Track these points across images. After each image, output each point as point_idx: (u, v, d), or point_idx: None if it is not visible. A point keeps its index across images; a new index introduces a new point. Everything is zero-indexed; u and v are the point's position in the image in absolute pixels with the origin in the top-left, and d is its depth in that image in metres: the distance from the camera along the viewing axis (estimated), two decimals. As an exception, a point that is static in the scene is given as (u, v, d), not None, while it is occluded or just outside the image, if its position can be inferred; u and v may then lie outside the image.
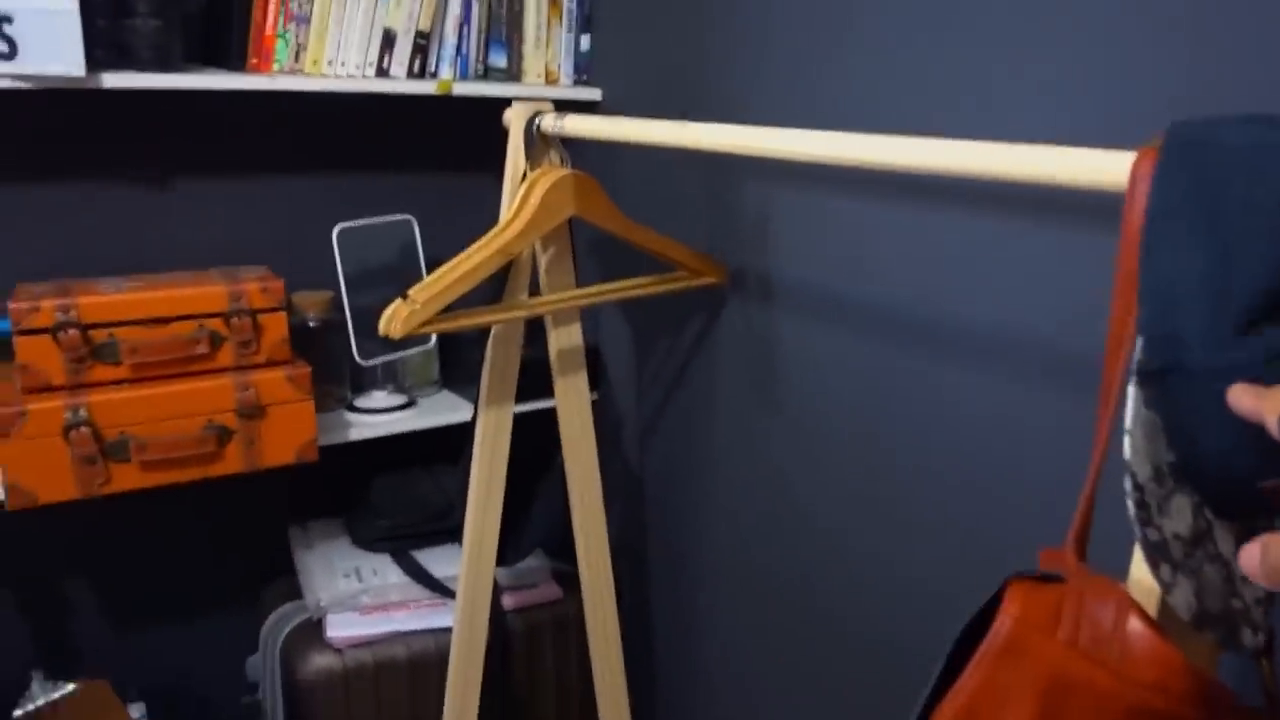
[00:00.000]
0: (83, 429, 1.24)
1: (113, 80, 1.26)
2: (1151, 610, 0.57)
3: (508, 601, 1.60)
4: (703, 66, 1.38)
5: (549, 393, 1.39)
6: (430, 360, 1.71)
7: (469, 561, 1.37)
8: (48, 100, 1.41)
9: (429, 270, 1.59)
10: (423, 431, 1.64)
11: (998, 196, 0.99)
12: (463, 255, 1.17)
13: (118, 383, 1.28)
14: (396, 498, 1.65)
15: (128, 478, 1.28)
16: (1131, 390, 0.56)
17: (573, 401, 1.38)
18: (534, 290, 1.31)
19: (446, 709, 1.44)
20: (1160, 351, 0.54)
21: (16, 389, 1.25)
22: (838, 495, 1.23)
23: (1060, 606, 0.56)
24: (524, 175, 1.24)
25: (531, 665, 1.61)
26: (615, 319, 1.67)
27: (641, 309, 1.60)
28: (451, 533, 1.66)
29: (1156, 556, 0.54)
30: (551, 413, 1.41)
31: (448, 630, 1.52)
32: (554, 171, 1.22)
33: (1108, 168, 0.63)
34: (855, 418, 1.19)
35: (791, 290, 1.26)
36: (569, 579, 1.63)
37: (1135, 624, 0.55)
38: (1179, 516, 0.55)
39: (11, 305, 1.23)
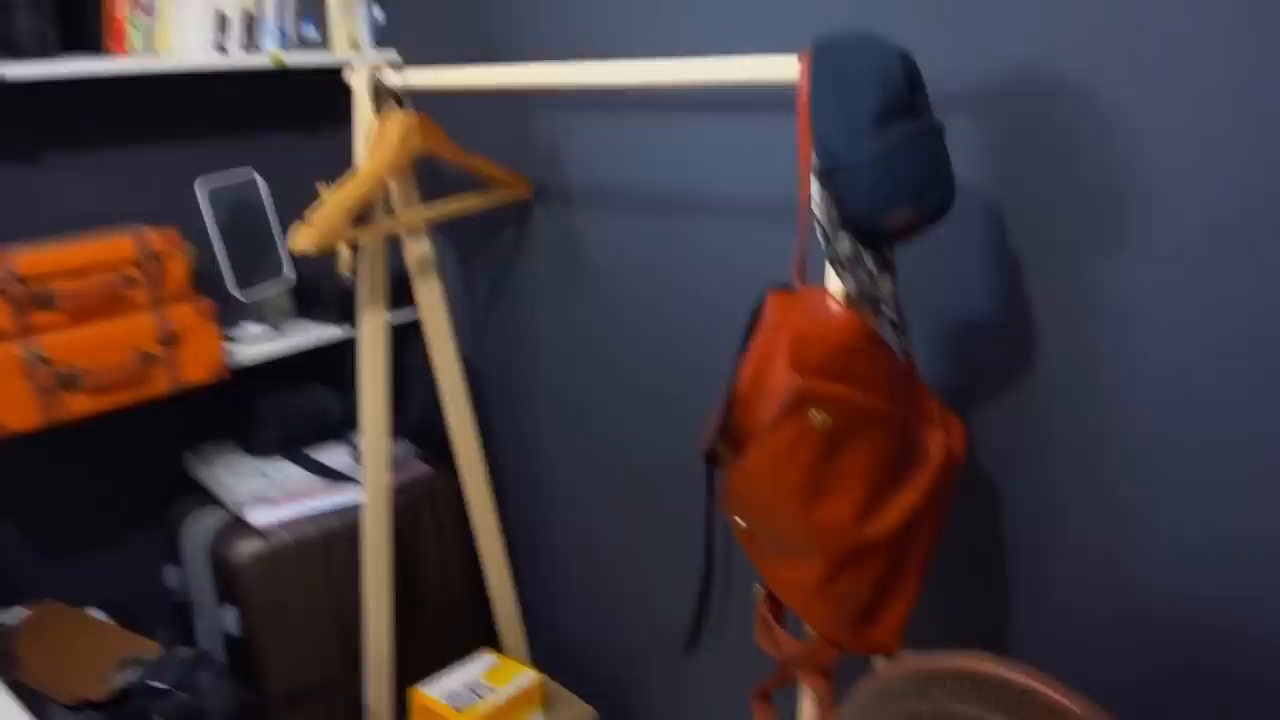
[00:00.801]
0: (40, 366, 1.50)
1: (8, 70, 1.51)
2: (839, 296, 1.07)
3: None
4: (476, 23, 1.78)
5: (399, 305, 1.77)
6: (285, 296, 2.03)
7: (370, 443, 1.73)
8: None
9: (279, 214, 1.92)
10: (289, 356, 1.96)
11: (730, 99, 1.47)
12: (339, 187, 1.53)
13: (56, 328, 1.55)
14: (279, 411, 1.97)
15: (81, 404, 1.56)
16: (814, 183, 1.04)
17: (430, 301, 1.77)
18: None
19: (366, 569, 1.81)
20: (824, 159, 1.02)
21: (-30, 342, 1.49)
22: (635, 344, 1.69)
23: (795, 300, 1.04)
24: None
25: (416, 530, 2.00)
26: (445, 241, 2.05)
27: (466, 229, 1.99)
28: (329, 433, 2.01)
29: (834, 266, 1.04)
30: (398, 330, 1.79)
31: (349, 508, 1.88)
32: (401, 114, 1.60)
33: (786, 67, 1.11)
34: (645, 281, 1.65)
35: (584, 192, 1.71)
36: (434, 459, 2.03)
37: (831, 303, 1.04)
38: (843, 244, 1.04)
39: (-43, 273, 1.47)
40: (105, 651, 1.64)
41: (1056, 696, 0.92)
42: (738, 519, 1.09)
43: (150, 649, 1.60)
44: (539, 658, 2.11)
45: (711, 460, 1.09)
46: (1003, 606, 1.31)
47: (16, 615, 1.75)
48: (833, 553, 1.06)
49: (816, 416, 1.01)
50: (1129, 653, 1.22)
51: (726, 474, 1.07)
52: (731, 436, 1.07)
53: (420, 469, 2.02)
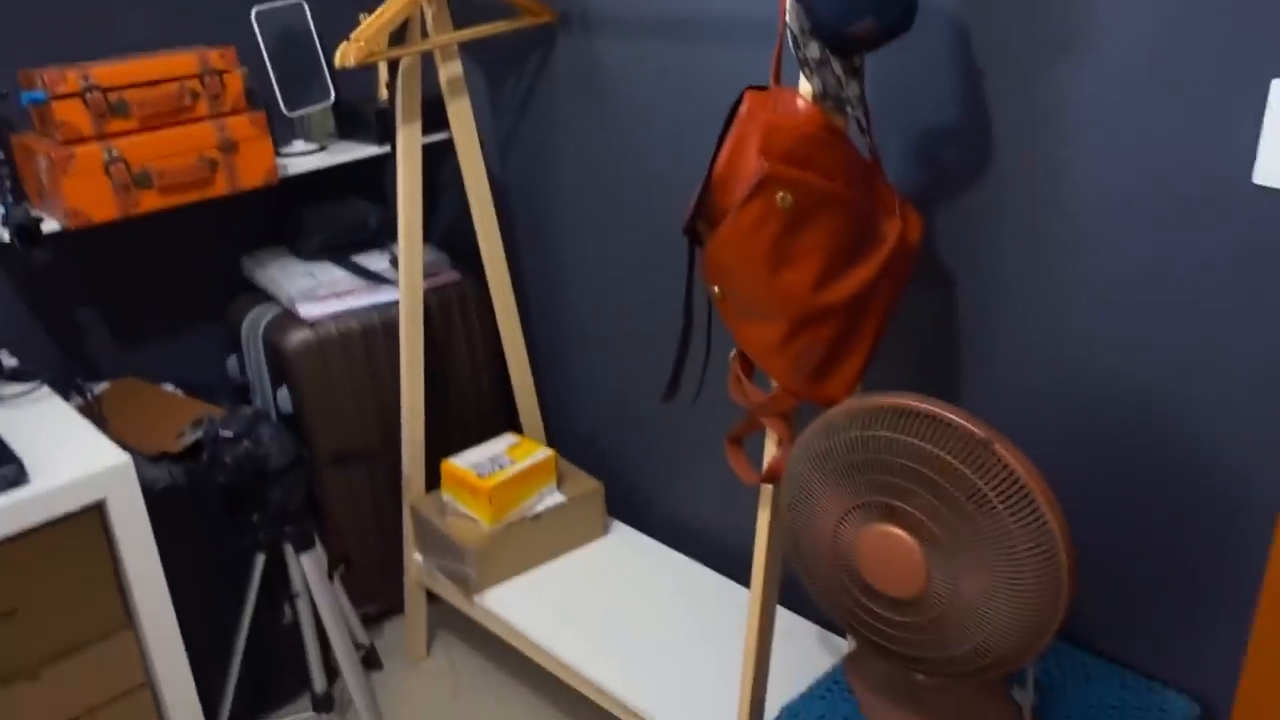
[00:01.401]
0: (118, 165, 1.72)
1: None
2: (807, 95, 1.25)
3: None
4: None
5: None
6: (328, 116, 2.21)
7: (406, 248, 1.95)
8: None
9: (323, 41, 2.09)
10: (332, 169, 2.17)
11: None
12: (382, 8, 1.70)
13: (129, 133, 1.75)
14: (324, 220, 2.18)
15: (152, 200, 1.78)
16: (789, -4, 1.21)
17: (462, 119, 1.95)
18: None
19: (402, 359, 2.05)
20: (798, -27, 1.19)
21: (58, 141, 1.70)
22: (646, 157, 1.87)
23: (767, 98, 1.22)
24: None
25: (446, 328, 2.23)
26: (474, 65, 2.21)
27: (493, 54, 2.15)
28: (369, 241, 2.23)
29: (803, 69, 1.22)
30: (430, 149, 1.98)
31: (389, 304, 2.11)
32: (434, -57, 1.75)
33: (774, -107, 1.26)
34: (655, 99, 1.82)
35: (603, 20, 1.86)
36: (462, 266, 2.24)
37: (799, 100, 1.22)
38: (812, 49, 1.21)
39: (44, 77, 1.66)
40: (178, 415, 1.91)
41: (959, 420, 1.14)
42: (715, 287, 1.30)
43: (217, 413, 1.86)
44: (554, 440, 2.37)
45: (692, 235, 1.29)
46: (951, 379, 1.53)
47: (101, 388, 2.02)
48: (792, 315, 1.27)
49: (781, 196, 1.21)
50: (1059, 421, 1.44)
51: (705, 249, 1.27)
52: (709, 215, 1.26)
53: (450, 274, 2.24)
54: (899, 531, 1.21)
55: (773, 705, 1.62)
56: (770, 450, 1.40)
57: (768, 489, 1.44)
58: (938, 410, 1.15)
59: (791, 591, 1.93)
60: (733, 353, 1.39)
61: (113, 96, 1.72)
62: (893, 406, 1.18)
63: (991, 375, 1.49)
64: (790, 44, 1.23)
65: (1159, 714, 1.40)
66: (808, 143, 1.21)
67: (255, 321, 2.10)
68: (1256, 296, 1.21)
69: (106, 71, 1.71)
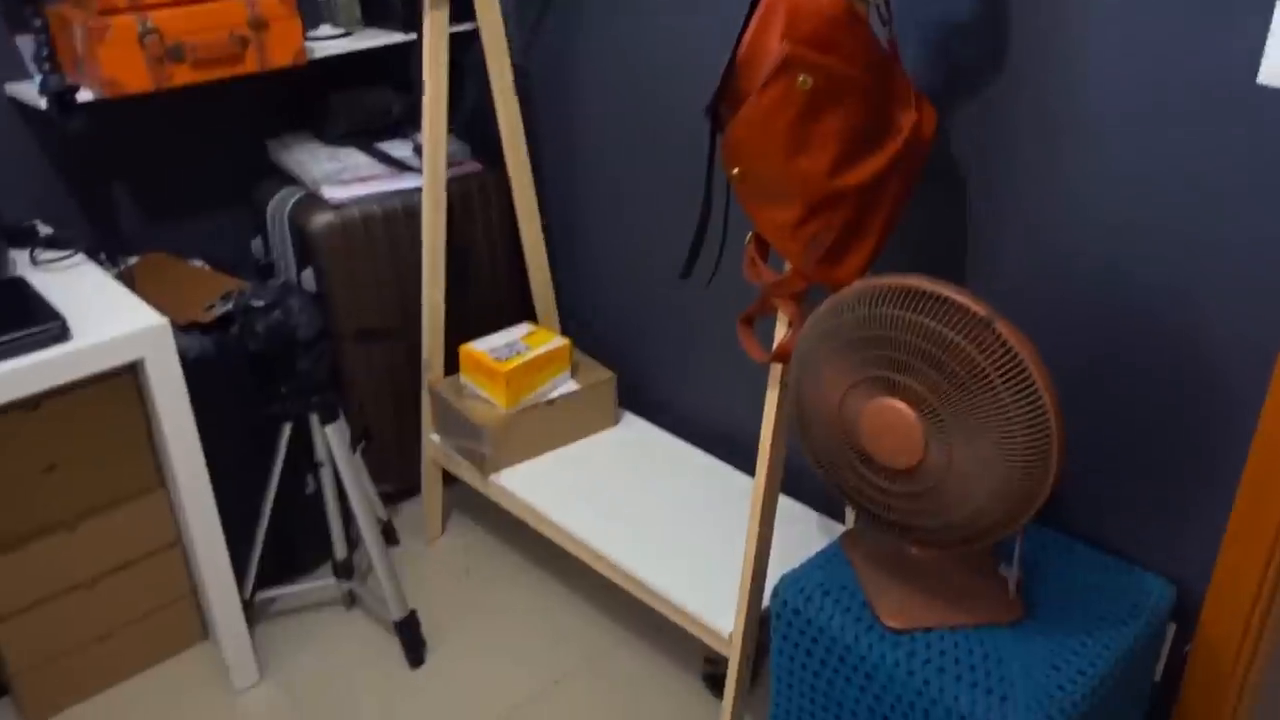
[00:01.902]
0: (152, 36, 1.75)
1: None
2: (832, -16, 1.28)
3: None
4: None
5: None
6: (354, 2, 2.23)
7: (430, 136, 1.98)
8: None
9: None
10: (357, 55, 2.19)
11: None
12: (414, -114, 1.71)
13: (163, 6, 1.78)
14: (349, 105, 2.22)
15: (184, 74, 1.81)
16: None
17: (487, 6, 1.98)
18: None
19: (424, 244, 2.10)
20: None
21: (93, 11, 1.74)
22: (667, 50, 1.90)
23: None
24: None
25: (466, 217, 2.28)
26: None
27: (518, -56, 2.16)
28: (393, 129, 2.27)
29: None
30: (455, 39, 2.00)
31: (411, 190, 2.16)
32: None
33: None
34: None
35: (633, -94, 1.87)
36: (483, 156, 2.28)
37: (824, -15, 1.26)
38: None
39: (81, -55, 1.69)
40: (207, 288, 1.97)
41: (962, 299, 1.19)
42: (734, 169, 1.34)
43: (246, 287, 1.93)
44: (567, 331, 2.44)
45: (714, 118, 1.34)
46: (958, 266, 1.59)
47: (131, 261, 2.08)
48: (808, 198, 1.32)
49: (802, 79, 1.25)
50: (1056, 307, 1.50)
51: (726, 131, 1.32)
52: (731, 97, 1.30)
53: (472, 164, 2.28)
54: (900, 405, 1.28)
55: (773, 578, 1.71)
56: (780, 331, 1.46)
57: (776, 369, 1.50)
58: (943, 290, 1.21)
59: (793, 481, 2.02)
60: (749, 235, 1.44)
61: (147, -32, 1.74)
62: (900, 286, 1.24)
63: (996, 263, 1.54)
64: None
65: (1137, 594, 1.48)
66: (830, 27, 1.25)
67: (281, 203, 2.15)
68: (1257, 191, 1.25)
69: (141, -57, 1.73)
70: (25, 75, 1.90)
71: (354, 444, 2.05)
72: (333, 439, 1.87)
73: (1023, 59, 1.41)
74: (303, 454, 2.05)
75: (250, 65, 1.89)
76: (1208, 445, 1.41)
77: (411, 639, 2.01)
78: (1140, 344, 1.43)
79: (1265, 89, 1.21)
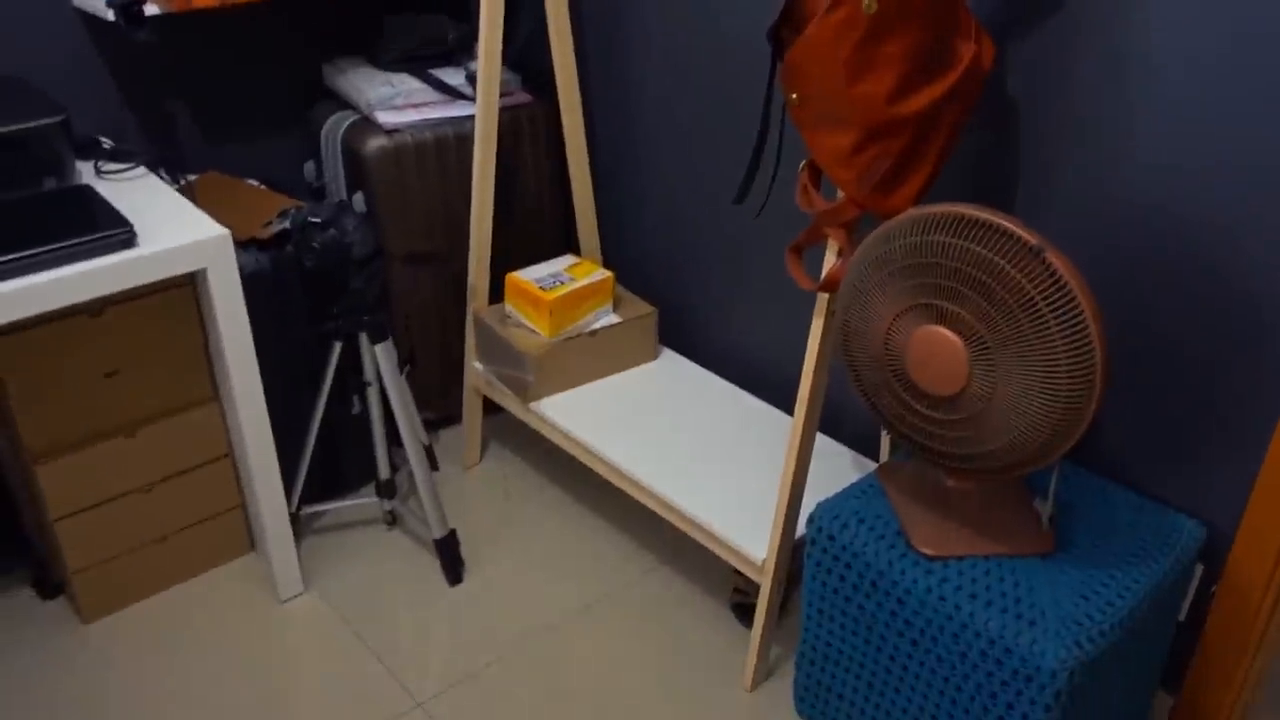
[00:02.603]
0: (218, -49, 1.78)
1: None
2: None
3: (497, 102, 2.25)
4: None
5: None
6: (413, -71, 2.25)
7: (485, 65, 2.00)
8: None
9: None
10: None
11: None
12: None
13: (230, -79, 1.81)
14: (405, 31, 2.24)
15: (248, -9, 1.84)
16: None
17: (545, -68, 1.99)
18: None
19: (474, 172, 2.13)
20: None
21: (162, -76, 1.76)
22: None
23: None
24: None
25: (516, 148, 2.30)
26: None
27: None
28: (447, 56, 2.29)
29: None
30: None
31: (462, 118, 2.19)
32: None
33: None
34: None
35: None
36: (534, 88, 2.30)
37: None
38: None
39: None
40: (263, 206, 2.02)
41: (1014, 228, 1.21)
42: (793, 94, 1.36)
43: (302, 206, 1.96)
44: (611, 265, 2.47)
45: (776, 41, 1.35)
46: (1009, 197, 1.60)
47: (189, 179, 2.12)
48: (866, 123, 1.33)
49: (867, 2, 1.26)
50: (1105, 242, 1.51)
51: (787, 55, 1.33)
52: (794, 20, 1.32)
53: (522, 95, 2.30)
54: (946, 332, 1.30)
55: (807, 511, 1.74)
56: (830, 260, 1.49)
57: (822, 298, 1.53)
58: (994, 218, 1.23)
59: (831, 419, 2.05)
60: (802, 164, 1.46)
61: (215, -116, 1.76)
62: (952, 214, 1.26)
63: (1046, 199, 1.55)
64: None
65: (1167, 533, 1.50)
66: (897, -48, 1.26)
67: (335, 127, 2.19)
68: (1315, 132, 1.26)
69: None
70: (92, -12, 1.94)
71: (401, 365, 2.10)
72: (381, 358, 1.91)
73: (1085, -5, 1.41)
74: (351, 373, 2.09)
75: (311, -15, 1.91)
76: (1246, 392, 1.42)
77: (450, 558, 2.07)
78: (1185, 286, 1.44)
79: (1331, 28, 1.21)
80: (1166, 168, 1.40)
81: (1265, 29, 1.26)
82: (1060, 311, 1.21)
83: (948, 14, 1.34)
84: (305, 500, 2.22)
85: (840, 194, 1.42)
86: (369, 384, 2.01)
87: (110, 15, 1.77)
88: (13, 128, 1.65)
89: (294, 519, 2.09)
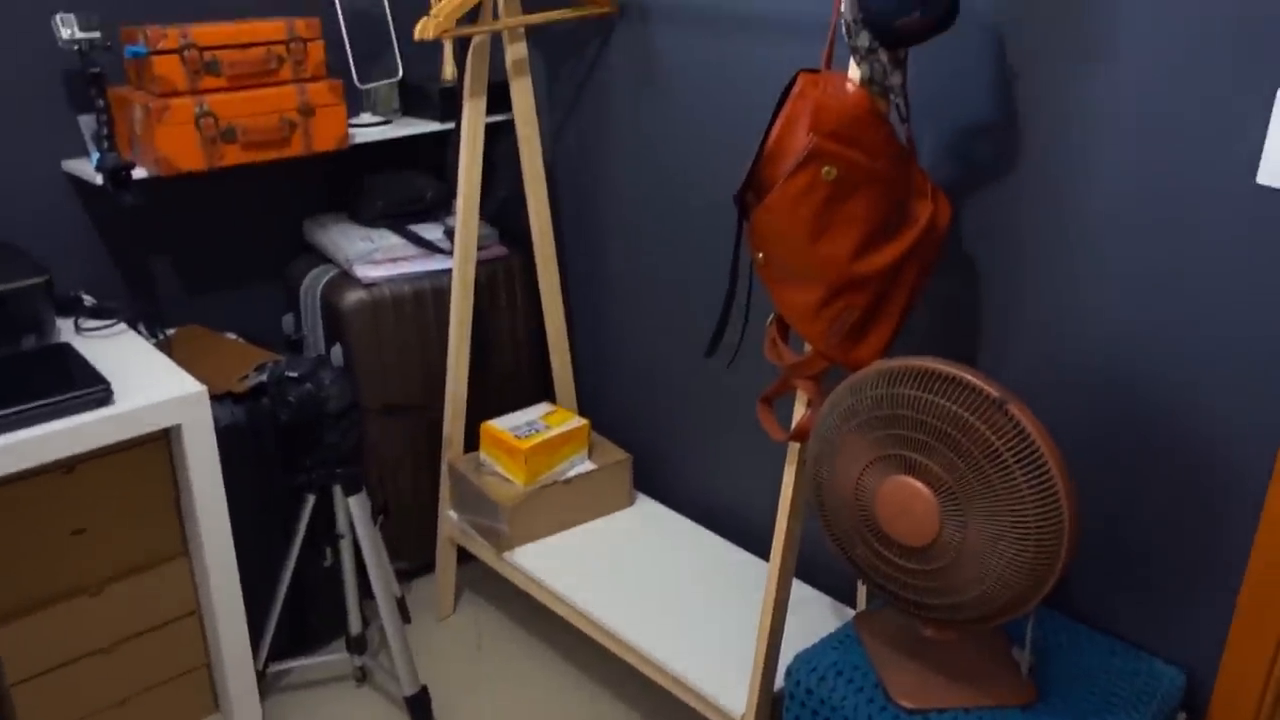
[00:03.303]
0: (207, 119, 1.85)
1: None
2: (855, 79, 1.36)
3: (473, 255, 2.32)
4: None
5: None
6: (394, 92, 2.35)
7: (463, 219, 2.07)
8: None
9: (393, 19, 2.22)
10: (394, 142, 2.30)
11: (787, -66, 1.73)
12: (460, -12, 1.83)
13: (219, 90, 1.89)
14: (384, 188, 2.31)
15: (234, 155, 1.91)
16: (844, -9, 1.33)
17: (523, 99, 2.08)
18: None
19: (451, 324, 2.17)
20: (854, -31, 1.31)
21: (154, 93, 1.84)
22: (689, 146, 1.99)
23: (819, 80, 1.34)
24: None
25: (492, 299, 2.35)
26: (537, 51, 2.34)
27: (555, 42, 2.28)
28: (426, 212, 2.36)
29: (854, 55, 1.33)
30: (488, 129, 2.10)
31: (440, 272, 2.24)
32: (511, -68, 1.88)
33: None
34: (702, 91, 1.94)
35: (661, 11, 1.99)
36: (510, 242, 2.37)
37: (848, 84, 1.34)
38: (862, 39, 1.33)
39: (147, 33, 1.80)
40: (241, 360, 2.04)
41: (977, 381, 1.25)
42: (759, 254, 1.41)
43: (279, 359, 1.99)
44: (586, 412, 2.48)
45: (741, 205, 1.41)
46: (971, 349, 1.65)
47: (169, 333, 2.15)
48: (830, 281, 1.38)
49: (826, 169, 1.32)
50: (1067, 394, 1.55)
51: (753, 217, 1.39)
52: (758, 185, 1.38)
53: (499, 248, 2.36)
54: (916, 483, 1.32)
55: (785, 661, 1.72)
56: (800, 410, 1.51)
57: (794, 448, 1.55)
58: (958, 371, 1.26)
59: (806, 566, 2.04)
60: (770, 317, 1.50)
61: (207, 55, 1.85)
62: (917, 367, 1.29)
63: (1008, 348, 1.60)
64: (843, 32, 1.35)
65: (1147, 680, 1.49)
66: (853, 123, 1.33)
67: (314, 281, 2.23)
68: (1257, 288, 1.31)
69: (203, 32, 1.85)
70: (83, 152, 2.00)
71: (374, 516, 2.08)
72: (355, 511, 1.90)
73: (1031, 160, 1.49)
74: (323, 526, 2.08)
75: (296, 148, 1.98)
76: (1214, 534, 1.44)
77: (422, 715, 2.01)
78: (1146, 430, 1.47)
79: (1263, 188, 1.28)
80: (1119, 324, 1.45)
81: (1193, 199, 1.33)
82: (1026, 463, 1.23)
83: (904, 177, 1.41)
84: (273, 656, 2.16)
85: (808, 347, 1.46)
86: (342, 536, 2.00)
87: (99, 180, 1.82)
88: (-4, 288, 1.67)
89: (260, 677, 2.04)
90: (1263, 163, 1.27)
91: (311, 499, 1.94)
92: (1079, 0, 1.38)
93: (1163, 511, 1.49)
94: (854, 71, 1.37)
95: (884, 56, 1.36)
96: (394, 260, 2.22)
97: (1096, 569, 1.59)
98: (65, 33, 1.75)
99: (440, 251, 2.27)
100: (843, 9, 1.33)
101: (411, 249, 2.25)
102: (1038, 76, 1.45)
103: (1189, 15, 1.29)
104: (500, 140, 2.41)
